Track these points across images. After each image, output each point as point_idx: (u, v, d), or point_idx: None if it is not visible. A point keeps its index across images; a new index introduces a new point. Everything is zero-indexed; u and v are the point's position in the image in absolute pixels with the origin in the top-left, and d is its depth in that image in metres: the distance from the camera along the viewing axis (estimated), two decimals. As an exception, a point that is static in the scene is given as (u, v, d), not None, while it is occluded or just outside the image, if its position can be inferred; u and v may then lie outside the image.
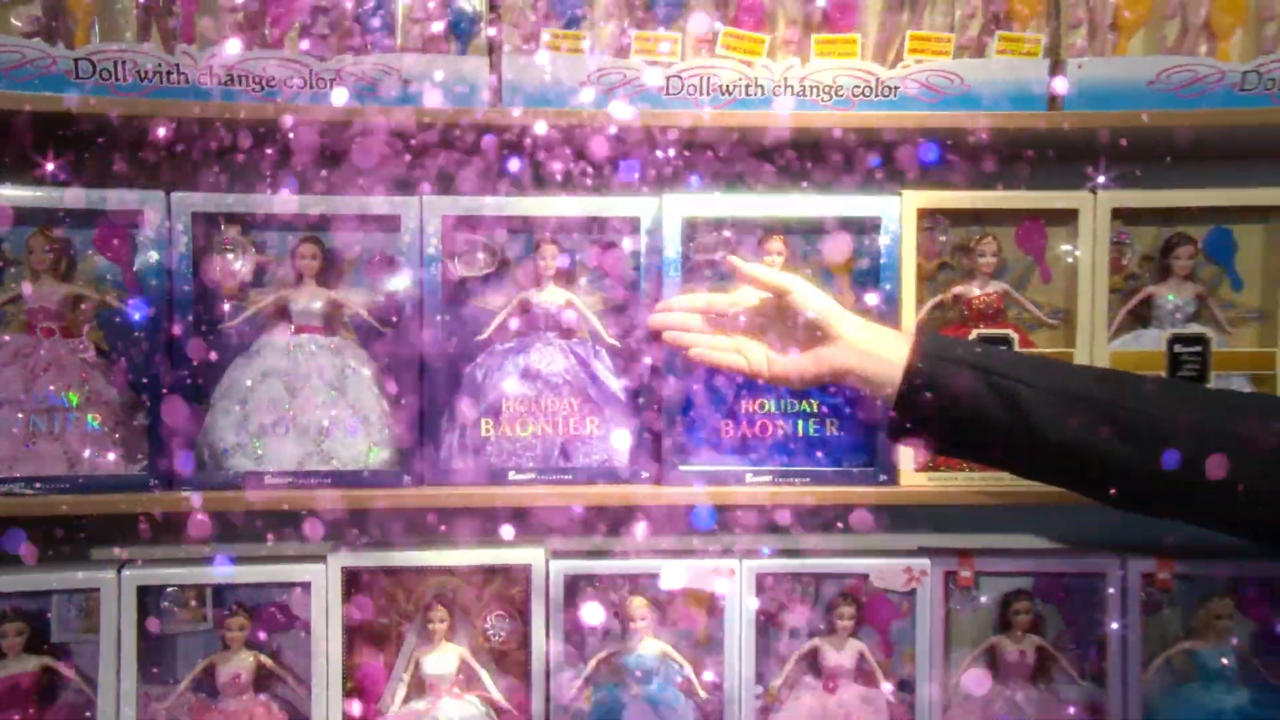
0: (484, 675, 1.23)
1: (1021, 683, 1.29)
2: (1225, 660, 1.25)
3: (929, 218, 1.25)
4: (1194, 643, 1.27)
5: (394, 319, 1.21)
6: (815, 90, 1.20)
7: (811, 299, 0.96)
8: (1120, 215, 1.24)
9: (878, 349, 0.92)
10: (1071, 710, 1.28)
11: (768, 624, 1.29)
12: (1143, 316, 1.27)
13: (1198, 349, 1.23)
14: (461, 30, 1.20)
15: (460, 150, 1.22)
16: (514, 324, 1.25)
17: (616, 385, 1.24)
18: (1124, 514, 1.20)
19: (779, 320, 1.00)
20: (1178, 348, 1.23)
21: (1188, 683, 1.27)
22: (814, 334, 0.96)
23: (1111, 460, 0.82)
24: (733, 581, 1.25)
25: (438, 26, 1.19)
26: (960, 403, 0.86)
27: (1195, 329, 1.24)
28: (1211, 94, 1.17)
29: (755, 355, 1.00)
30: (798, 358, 0.97)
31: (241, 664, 1.18)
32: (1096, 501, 0.89)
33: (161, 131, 1.11)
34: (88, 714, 1.17)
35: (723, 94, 1.19)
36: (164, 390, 1.15)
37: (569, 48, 1.20)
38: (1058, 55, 1.22)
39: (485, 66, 1.18)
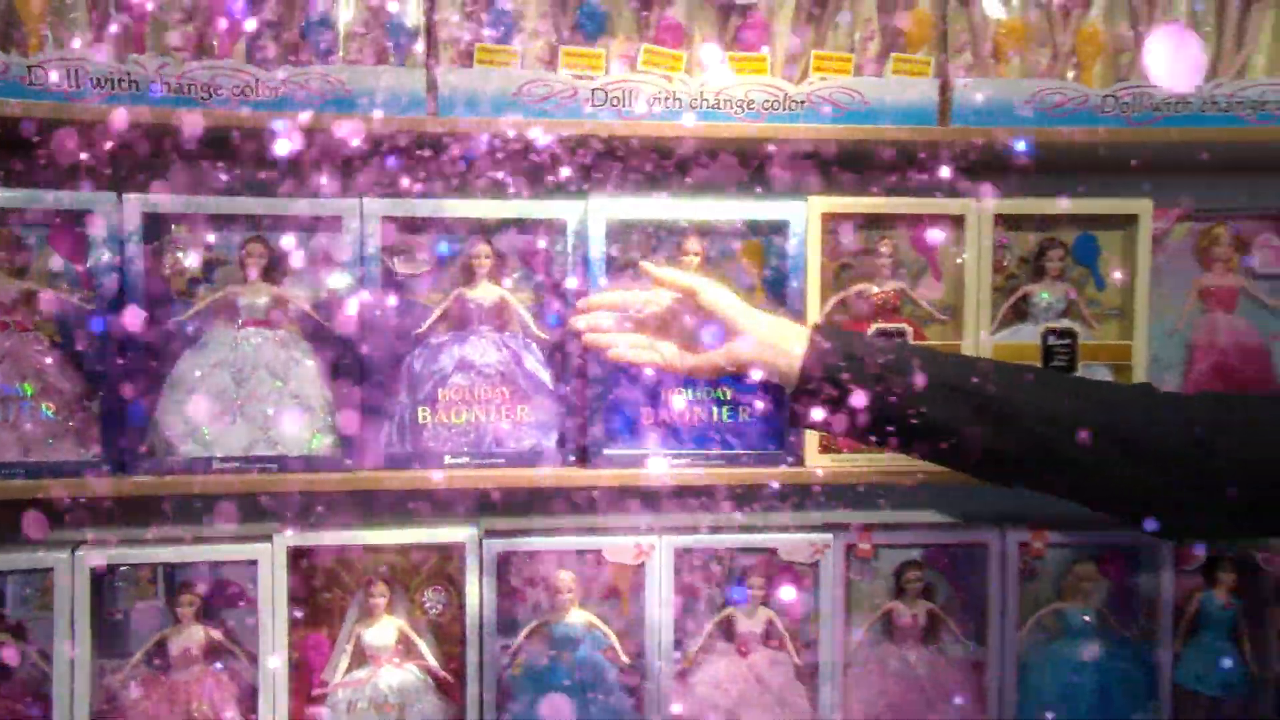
0: (422, 645, 1.31)
1: (913, 643, 1.41)
2: (1087, 618, 1.40)
3: (833, 221, 1.36)
4: (1061, 603, 1.41)
5: (336, 314, 1.28)
6: (729, 104, 1.30)
7: (718, 298, 1.04)
8: (1001, 221, 1.36)
9: (779, 342, 1.01)
10: (957, 666, 1.41)
11: (687, 594, 1.39)
12: (1021, 312, 1.39)
13: (1068, 342, 1.36)
14: (400, 44, 1.28)
15: (399, 156, 1.30)
16: (449, 318, 1.33)
17: (545, 375, 1.33)
18: (1002, 491, 1.35)
19: (690, 317, 1.08)
20: (1050, 340, 1.36)
21: (1056, 639, 1.41)
22: (722, 330, 1.05)
23: (986, 443, 0.93)
24: (653, 556, 1.35)
25: (377, 41, 1.27)
26: (851, 391, 0.96)
27: (1066, 324, 1.37)
28: (1077, 114, 1.30)
29: (669, 351, 1.08)
30: (708, 353, 1.06)
31: (192, 638, 1.25)
32: (972, 477, 1.01)
33: (112, 137, 1.18)
34: (43, 688, 1.24)
35: (645, 105, 1.29)
36: (116, 381, 1.21)
37: (500, 62, 1.28)
38: (946, 76, 1.34)
39: (422, 78, 1.26)
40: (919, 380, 0.94)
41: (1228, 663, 1.37)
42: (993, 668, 1.40)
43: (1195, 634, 1.40)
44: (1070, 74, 1.35)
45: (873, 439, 0.99)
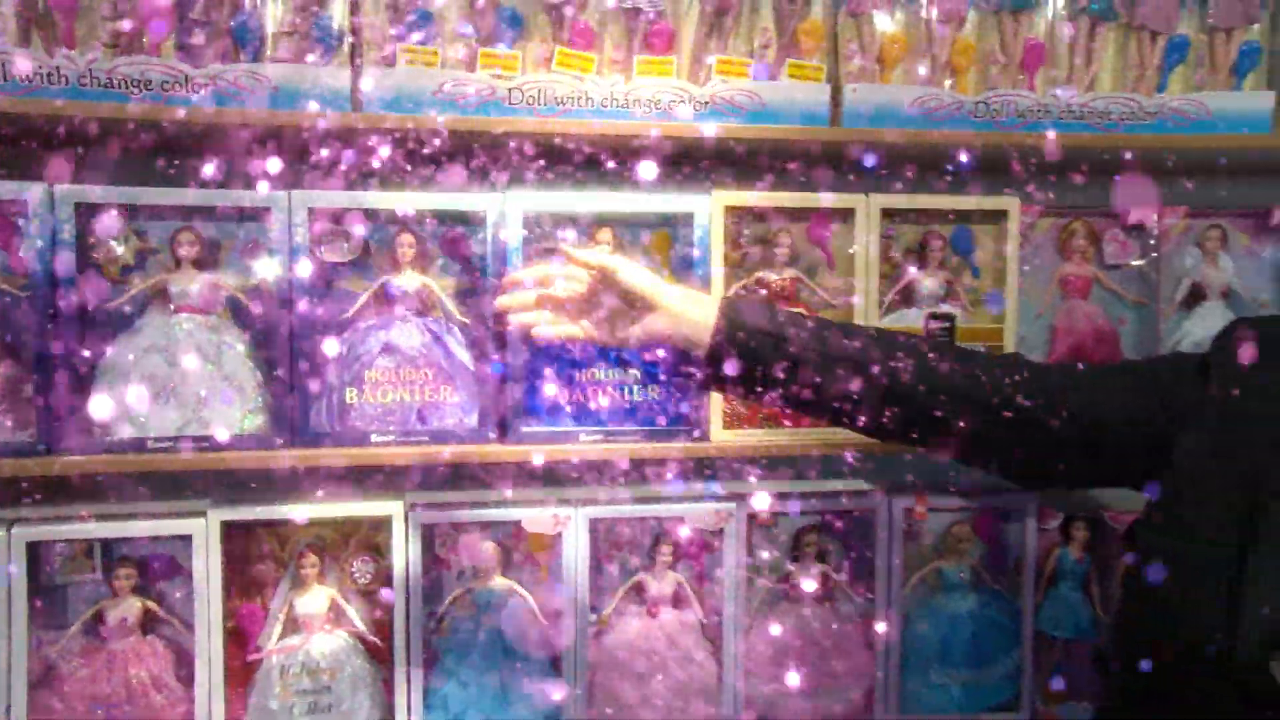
0: (351, 612, 1.39)
1: (810, 602, 1.53)
2: (963, 574, 1.54)
3: (735, 214, 1.46)
4: (941, 562, 1.55)
5: (266, 300, 1.34)
6: (637, 103, 1.39)
7: (634, 275, 1.13)
8: (888, 214, 1.48)
9: (691, 314, 1.10)
10: (849, 621, 1.54)
11: (599, 561, 1.50)
12: (906, 298, 1.52)
13: (948, 324, 1.50)
14: (327, 44, 1.34)
15: (325, 150, 1.36)
16: (375, 304, 1.41)
17: (466, 357, 1.41)
18: (887, 462, 1.48)
19: (608, 295, 1.16)
20: (932, 324, 1.50)
21: (936, 593, 1.55)
22: (639, 304, 1.13)
23: (878, 407, 1.05)
24: (569, 526, 1.45)
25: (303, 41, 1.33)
26: (756, 360, 1.06)
27: (946, 309, 1.50)
28: (953, 118, 1.43)
29: (589, 326, 1.17)
30: (627, 325, 1.14)
31: (128, 609, 1.31)
32: (864, 436, 1.12)
33: (44, 129, 1.22)
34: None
35: (558, 104, 1.38)
36: (52, 365, 1.26)
37: (422, 62, 1.36)
38: (837, 81, 1.46)
39: (348, 77, 1.33)
40: (814, 350, 1.05)
41: (1080, 610, 1.54)
42: (881, 622, 1.53)
43: (1054, 585, 1.55)
44: (947, 82, 1.48)
45: (776, 403, 1.10)
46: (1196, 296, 1.55)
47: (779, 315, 1.10)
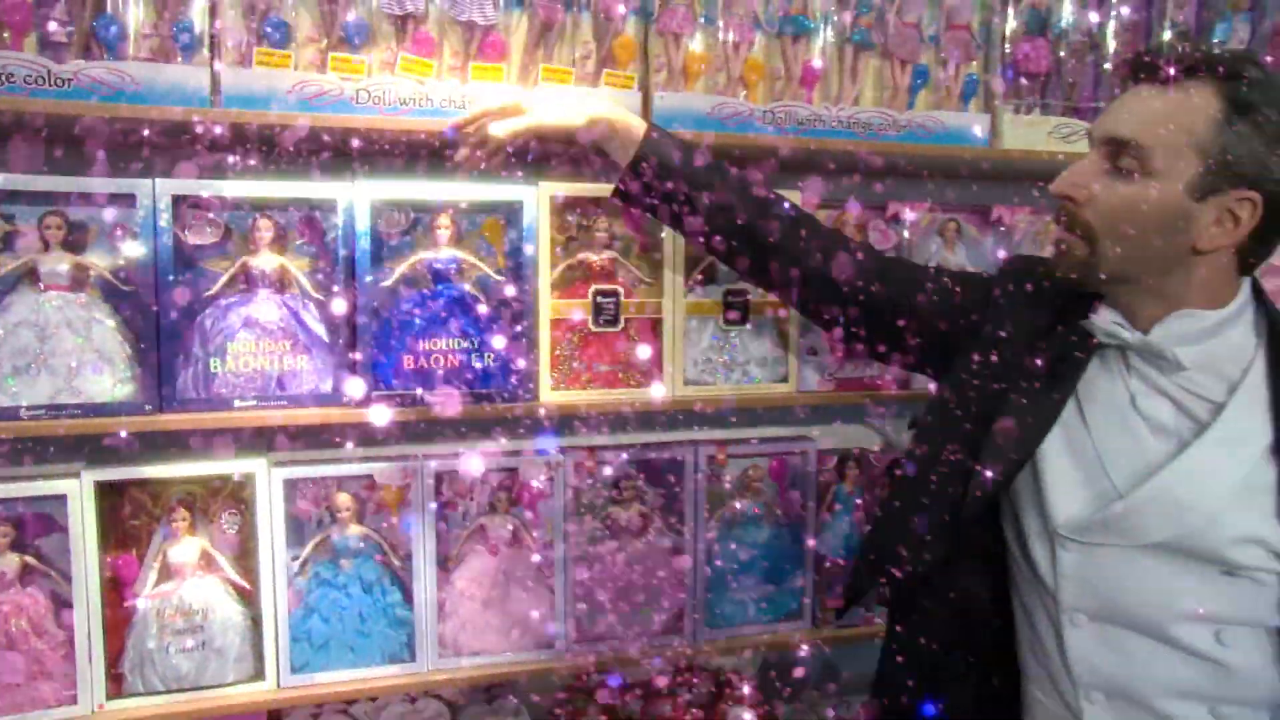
0: (221, 560, 1.54)
1: (629, 538, 1.77)
2: (757, 509, 1.82)
3: (560, 202, 1.67)
4: (739, 499, 1.82)
5: (134, 279, 1.46)
6: (473, 105, 1.57)
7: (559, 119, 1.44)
8: (691, 204, 1.73)
9: (625, 116, 1.42)
10: (662, 553, 1.78)
11: (446, 508, 1.69)
12: (708, 276, 1.75)
13: (743, 298, 1.73)
14: (187, 45, 1.46)
15: (188, 142, 1.49)
16: (236, 282, 1.55)
17: (322, 330, 1.57)
18: (692, 415, 1.72)
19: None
20: (730, 298, 1.74)
21: (735, 526, 1.82)
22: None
23: (737, 223, 1.38)
24: (418, 478, 1.63)
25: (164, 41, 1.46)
26: (666, 171, 1.36)
27: (742, 285, 1.74)
28: (745, 123, 1.69)
29: (532, 118, 1.44)
30: (569, 115, 1.43)
31: (7, 564, 1.42)
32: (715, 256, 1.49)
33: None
34: None
35: (401, 104, 1.54)
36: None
37: (276, 64, 1.50)
38: (647, 89, 1.69)
39: (207, 76, 1.46)
40: (708, 175, 1.38)
41: (852, 535, 1.85)
42: (689, 552, 1.77)
43: (832, 515, 1.86)
44: (741, 93, 1.73)
45: (672, 207, 1.41)
46: (940, 275, 1.87)
47: (690, 142, 1.45)
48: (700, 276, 1.77)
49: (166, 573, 1.51)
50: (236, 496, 1.57)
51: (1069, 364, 1.15)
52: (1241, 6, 1.84)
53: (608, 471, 1.77)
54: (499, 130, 1.44)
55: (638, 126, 1.43)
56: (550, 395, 1.65)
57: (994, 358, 1.22)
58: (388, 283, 1.60)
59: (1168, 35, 1.82)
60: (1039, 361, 1.16)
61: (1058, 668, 1.14)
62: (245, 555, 1.57)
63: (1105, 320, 1.13)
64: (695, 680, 1.94)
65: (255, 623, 1.56)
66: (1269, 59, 1.75)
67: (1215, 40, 1.84)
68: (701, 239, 1.43)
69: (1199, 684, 1.07)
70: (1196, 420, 1.06)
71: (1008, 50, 1.81)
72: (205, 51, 1.48)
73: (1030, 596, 1.18)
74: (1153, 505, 1.05)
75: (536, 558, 1.72)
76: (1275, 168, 1.01)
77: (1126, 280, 1.10)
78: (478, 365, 1.64)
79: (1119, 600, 1.08)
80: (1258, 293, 1.13)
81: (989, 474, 1.14)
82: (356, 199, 1.56)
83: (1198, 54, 1.04)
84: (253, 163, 1.58)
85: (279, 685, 1.55)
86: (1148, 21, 1.85)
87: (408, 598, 1.64)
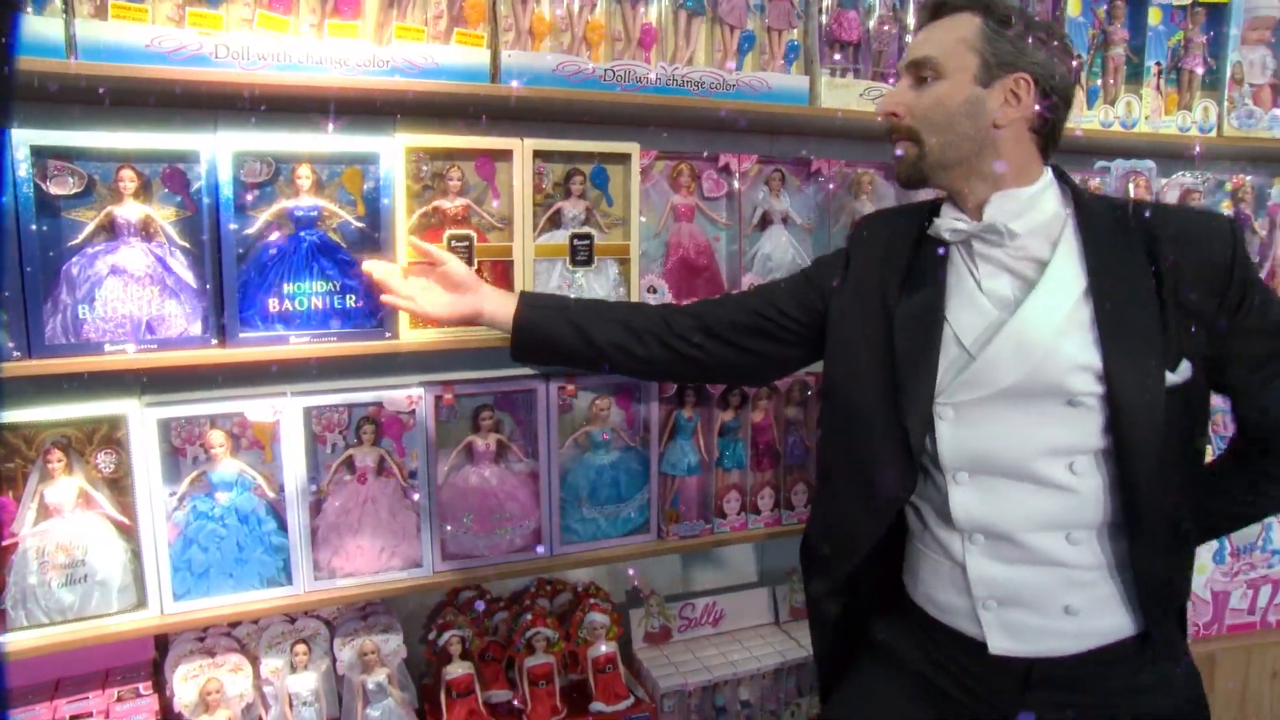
0: (100, 497, 1.61)
1: (488, 463, 1.92)
2: (606, 435, 2.00)
3: (415, 152, 1.78)
4: (589, 427, 2.00)
5: (-3, 230, 1.50)
6: (330, 60, 1.66)
7: (460, 268, 1.58)
8: (539, 155, 1.86)
9: (498, 304, 1.56)
10: (520, 477, 1.95)
11: (315, 441, 1.81)
12: (555, 221, 1.91)
13: (587, 242, 1.91)
14: (40, -1, 1.49)
15: (46, 94, 1.52)
16: (102, 231, 1.60)
17: (189, 276, 1.64)
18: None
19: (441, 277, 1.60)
20: (575, 242, 1.90)
21: (586, 451, 1.99)
22: (461, 288, 1.56)
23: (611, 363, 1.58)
24: (287, 414, 1.74)
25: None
26: (550, 338, 1.54)
27: (586, 229, 1.91)
28: (588, 81, 1.83)
29: (424, 301, 1.57)
30: (451, 301, 1.57)
31: (-118, 508, 1.46)
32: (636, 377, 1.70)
33: None
34: None
35: (261, 59, 1.62)
36: None
37: (132, 17, 1.54)
38: (496, 48, 1.81)
39: (61, 27, 1.49)
40: (591, 327, 1.56)
41: (691, 455, 2.06)
42: (544, 475, 1.93)
43: (673, 438, 2.05)
44: (584, 53, 1.87)
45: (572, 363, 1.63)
46: (765, 221, 2.09)
47: (566, 302, 1.61)
48: (548, 222, 1.91)
49: (45, 512, 1.58)
50: (111, 437, 1.63)
51: (930, 273, 1.40)
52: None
53: (467, 403, 1.90)
54: (389, 301, 1.61)
55: (505, 317, 1.58)
56: (409, 334, 1.77)
57: (867, 300, 1.46)
58: (252, 230, 1.68)
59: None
60: (908, 281, 1.42)
61: (943, 521, 1.38)
62: (123, 492, 1.64)
63: (947, 220, 1.40)
64: (558, 591, 2.13)
65: (136, 555, 1.64)
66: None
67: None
68: (625, 374, 1.68)
69: (1056, 514, 1.33)
70: (1029, 282, 1.33)
71: (824, 21, 2.01)
72: (58, 2, 1.51)
73: (924, 471, 1.42)
74: (1002, 353, 1.31)
75: (403, 484, 1.85)
76: (1031, 54, 1.31)
77: (953, 165, 1.37)
78: (339, 306, 1.75)
79: (989, 450, 1.33)
80: (1060, 174, 1.41)
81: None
82: (219, 150, 1.63)
83: None
84: (113, 114, 1.62)
85: (163, 612, 1.65)
86: None
87: (283, 526, 1.75)
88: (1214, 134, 2.38)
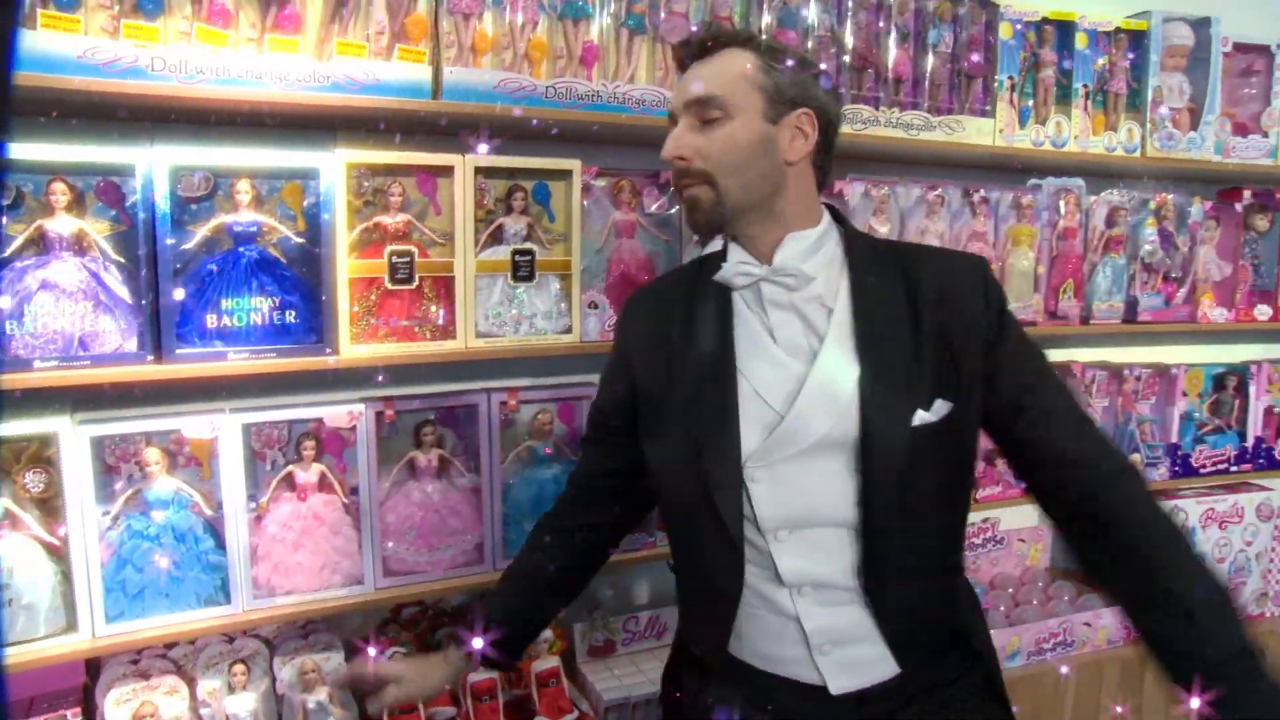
0: (28, 518, 1.58)
1: (431, 479, 1.92)
2: (548, 449, 2.01)
3: (356, 168, 1.78)
4: (532, 441, 2.00)
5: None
6: (270, 75, 1.64)
7: (405, 689, 1.45)
8: (481, 171, 1.87)
9: (441, 670, 1.49)
10: (462, 492, 1.95)
11: (254, 458, 1.78)
12: (497, 237, 1.92)
13: (529, 258, 1.92)
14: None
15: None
16: (32, 245, 1.57)
17: (124, 291, 1.62)
18: (483, 364, 1.87)
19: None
20: (517, 258, 1.91)
21: (528, 465, 2.00)
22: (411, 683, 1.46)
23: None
24: (225, 431, 1.72)
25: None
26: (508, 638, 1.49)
27: (528, 245, 1.92)
28: (529, 97, 1.84)
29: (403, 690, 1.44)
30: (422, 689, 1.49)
31: None
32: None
33: None
34: None
35: (199, 73, 1.60)
36: None
37: (64, 28, 1.52)
38: (438, 64, 1.81)
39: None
40: (521, 601, 1.51)
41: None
42: (486, 490, 1.94)
43: (614, 452, 2.07)
44: (526, 70, 1.88)
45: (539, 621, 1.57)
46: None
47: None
48: (489, 238, 1.92)
49: (-29, 532, 1.54)
50: (40, 456, 1.60)
51: (713, 329, 1.33)
52: (946, 19, 2.19)
53: (408, 419, 1.90)
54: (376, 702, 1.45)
55: (457, 662, 1.49)
56: (350, 349, 1.76)
57: (654, 374, 1.38)
58: (189, 245, 1.66)
59: (891, 36, 2.14)
60: (689, 343, 1.34)
61: (768, 578, 1.32)
62: (53, 512, 1.61)
63: (734, 263, 1.32)
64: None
65: (67, 577, 1.60)
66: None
67: (929, 43, 2.18)
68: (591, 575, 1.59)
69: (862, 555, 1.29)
70: (818, 331, 1.28)
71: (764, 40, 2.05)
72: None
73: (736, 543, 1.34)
74: (813, 407, 1.26)
75: (344, 501, 1.84)
76: (809, 88, 1.27)
77: (749, 208, 1.29)
78: (278, 323, 1.73)
79: (807, 505, 1.28)
80: (834, 213, 1.37)
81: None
82: (155, 164, 1.61)
83: (719, 32, 1.30)
84: (46, 125, 1.59)
85: (94, 635, 1.61)
86: (876, 22, 2.14)
87: (221, 544, 1.73)
88: (1138, 154, 2.47)
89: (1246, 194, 2.67)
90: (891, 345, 1.26)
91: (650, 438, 1.39)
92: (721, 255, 1.36)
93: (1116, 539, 1.24)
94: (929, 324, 1.26)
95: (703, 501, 1.30)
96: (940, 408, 1.25)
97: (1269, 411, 2.75)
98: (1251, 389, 2.70)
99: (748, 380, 1.29)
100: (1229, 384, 2.70)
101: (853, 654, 1.30)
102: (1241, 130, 2.62)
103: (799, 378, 1.27)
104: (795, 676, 1.32)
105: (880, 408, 1.23)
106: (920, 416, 1.24)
